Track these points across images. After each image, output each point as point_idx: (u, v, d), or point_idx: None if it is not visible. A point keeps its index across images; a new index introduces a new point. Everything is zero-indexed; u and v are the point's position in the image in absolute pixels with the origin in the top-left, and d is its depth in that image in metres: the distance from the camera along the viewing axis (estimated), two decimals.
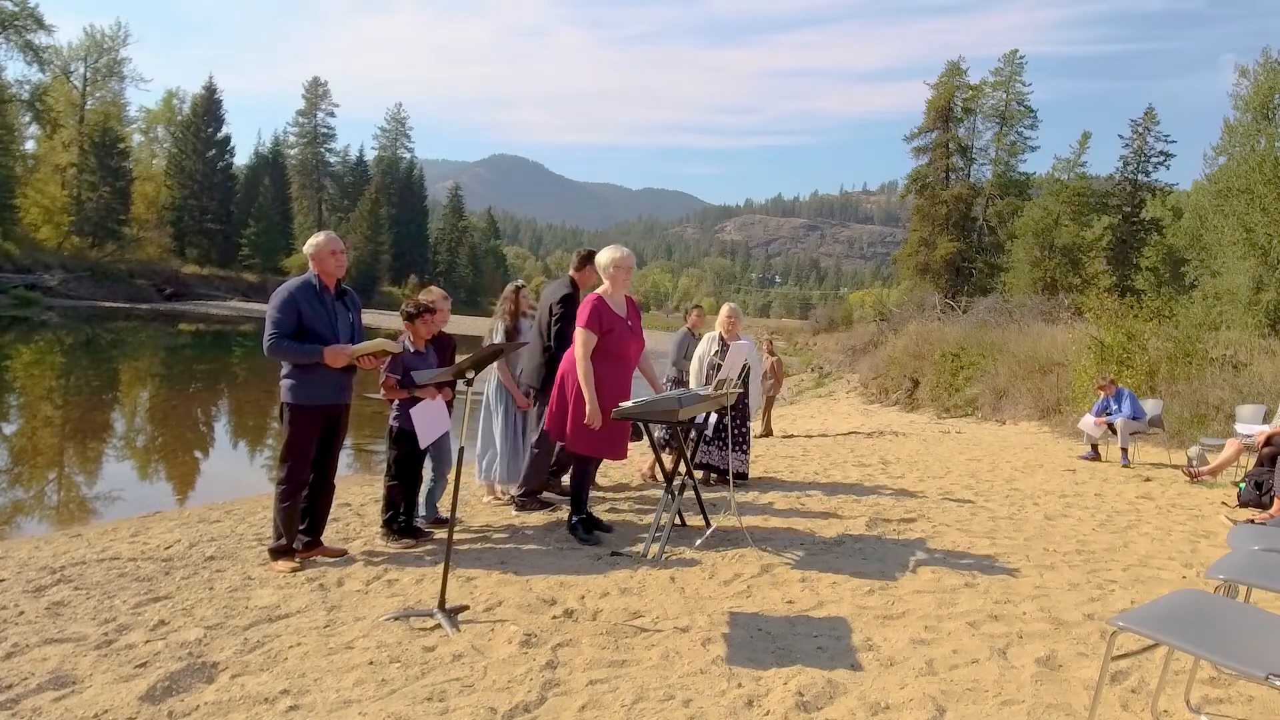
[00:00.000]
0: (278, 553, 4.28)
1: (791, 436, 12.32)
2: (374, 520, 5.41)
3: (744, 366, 5.99)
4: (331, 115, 76.14)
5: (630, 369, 5.01)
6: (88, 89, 54.16)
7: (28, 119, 47.69)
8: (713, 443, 6.79)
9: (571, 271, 5.74)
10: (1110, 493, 7.52)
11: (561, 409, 4.82)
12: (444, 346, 5.22)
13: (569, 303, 5.49)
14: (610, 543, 4.84)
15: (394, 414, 4.86)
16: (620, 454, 5.01)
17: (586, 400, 4.61)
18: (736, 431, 6.85)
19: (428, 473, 5.14)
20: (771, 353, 13.62)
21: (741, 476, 6.90)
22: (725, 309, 7.14)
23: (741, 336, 7.01)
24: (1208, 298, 26.78)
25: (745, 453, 7.08)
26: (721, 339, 6.94)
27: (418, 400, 4.38)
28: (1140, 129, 41.45)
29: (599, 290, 4.89)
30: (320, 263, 4.29)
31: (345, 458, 9.91)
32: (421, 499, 5.14)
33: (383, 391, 4.74)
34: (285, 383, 4.22)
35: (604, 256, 4.95)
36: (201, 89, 61.58)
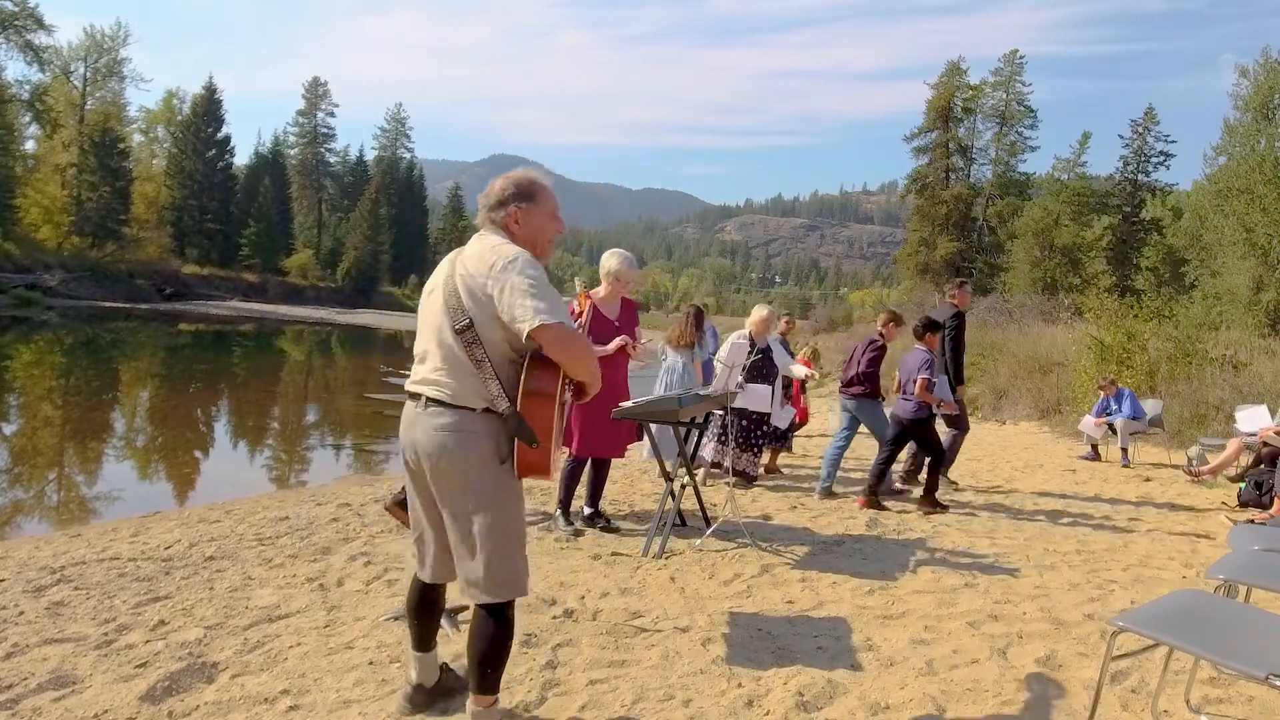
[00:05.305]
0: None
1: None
2: (374, 520, 5.41)
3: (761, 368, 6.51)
4: (331, 115, 76.08)
5: (620, 369, 5.06)
6: (88, 89, 54.10)
7: (28, 119, 47.57)
8: (728, 442, 6.78)
9: (951, 299, 7.53)
10: (1110, 493, 7.52)
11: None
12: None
13: (959, 318, 7.27)
14: (610, 543, 4.84)
15: (914, 408, 6.24)
16: (617, 452, 5.16)
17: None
18: (755, 431, 6.85)
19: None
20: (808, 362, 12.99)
21: (748, 477, 6.88)
22: (766, 311, 7.01)
23: (769, 339, 6.98)
24: (1208, 298, 26.79)
25: (756, 454, 7.03)
26: (751, 340, 6.89)
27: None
28: (1140, 129, 41.47)
29: (592, 291, 4.98)
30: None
31: (345, 458, 9.95)
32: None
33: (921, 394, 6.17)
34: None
35: (613, 263, 4.96)
36: (201, 89, 61.49)
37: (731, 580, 4.16)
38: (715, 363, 6.95)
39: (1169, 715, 2.80)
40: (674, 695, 2.80)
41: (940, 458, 6.42)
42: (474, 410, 2.27)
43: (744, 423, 6.79)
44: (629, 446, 9.14)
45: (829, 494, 6.58)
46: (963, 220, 42.07)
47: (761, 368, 6.74)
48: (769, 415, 6.98)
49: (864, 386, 6.52)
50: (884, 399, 6.79)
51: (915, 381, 6.19)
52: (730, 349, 5.27)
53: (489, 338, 2.25)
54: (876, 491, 6.25)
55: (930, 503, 6.22)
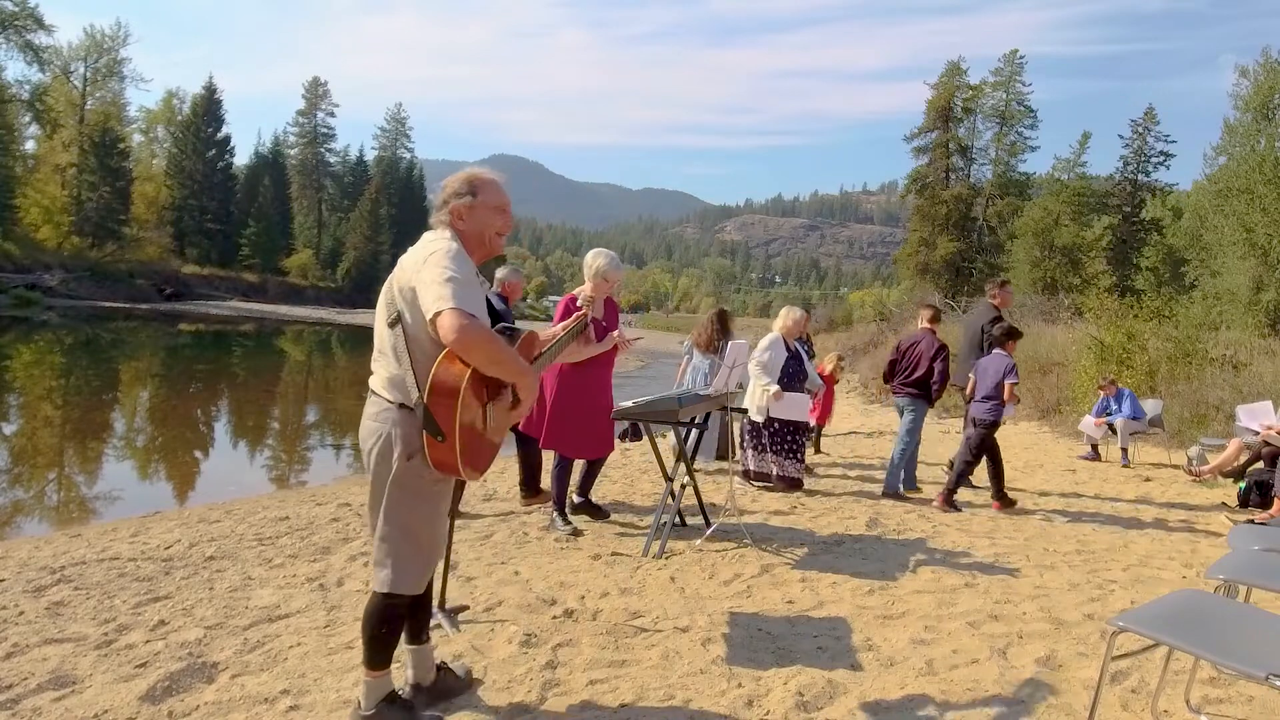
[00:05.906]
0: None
1: None
2: None
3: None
4: (331, 115, 75.90)
5: (604, 368, 5.07)
6: (88, 89, 54.04)
7: (28, 119, 47.52)
8: (769, 450, 6.76)
9: (992, 299, 7.80)
10: (1110, 493, 7.52)
11: (540, 411, 4.95)
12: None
13: (999, 320, 7.31)
14: (610, 543, 4.84)
15: (990, 409, 6.44)
16: (602, 451, 5.13)
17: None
18: (796, 438, 6.82)
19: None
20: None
21: (796, 482, 6.85)
22: (798, 313, 7.07)
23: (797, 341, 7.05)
24: (1208, 298, 26.77)
25: (800, 459, 6.91)
26: (786, 343, 6.86)
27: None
28: (1140, 129, 41.48)
29: (577, 290, 5.00)
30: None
31: (345, 458, 9.94)
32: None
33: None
34: None
35: (600, 262, 4.92)
36: (201, 89, 61.45)
37: (731, 580, 4.16)
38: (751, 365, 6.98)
39: (1169, 715, 2.80)
40: (674, 695, 2.80)
41: (975, 465, 6.59)
42: (393, 404, 2.34)
43: (782, 428, 6.78)
44: (635, 443, 9.16)
45: (910, 489, 6.99)
46: (963, 220, 42.05)
47: (795, 373, 6.76)
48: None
49: (924, 390, 6.79)
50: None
51: (1001, 386, 6.40)
52: (732, 349, 5.24)
53: (413, 333, 2.31)
54: (952, 494, 6.47)
55: (948, 503, 6.35)
